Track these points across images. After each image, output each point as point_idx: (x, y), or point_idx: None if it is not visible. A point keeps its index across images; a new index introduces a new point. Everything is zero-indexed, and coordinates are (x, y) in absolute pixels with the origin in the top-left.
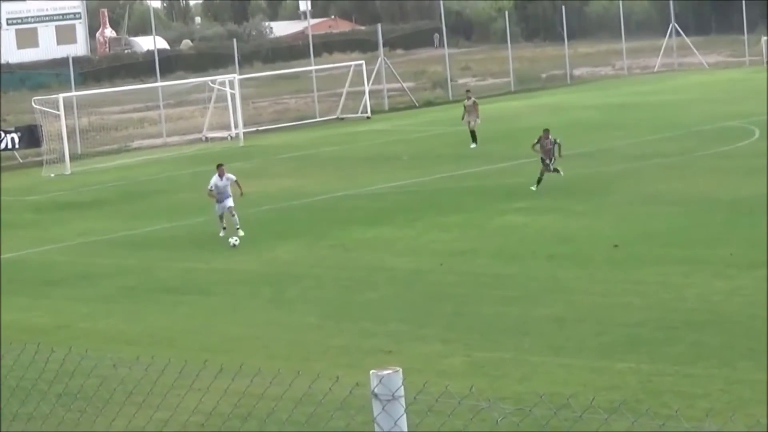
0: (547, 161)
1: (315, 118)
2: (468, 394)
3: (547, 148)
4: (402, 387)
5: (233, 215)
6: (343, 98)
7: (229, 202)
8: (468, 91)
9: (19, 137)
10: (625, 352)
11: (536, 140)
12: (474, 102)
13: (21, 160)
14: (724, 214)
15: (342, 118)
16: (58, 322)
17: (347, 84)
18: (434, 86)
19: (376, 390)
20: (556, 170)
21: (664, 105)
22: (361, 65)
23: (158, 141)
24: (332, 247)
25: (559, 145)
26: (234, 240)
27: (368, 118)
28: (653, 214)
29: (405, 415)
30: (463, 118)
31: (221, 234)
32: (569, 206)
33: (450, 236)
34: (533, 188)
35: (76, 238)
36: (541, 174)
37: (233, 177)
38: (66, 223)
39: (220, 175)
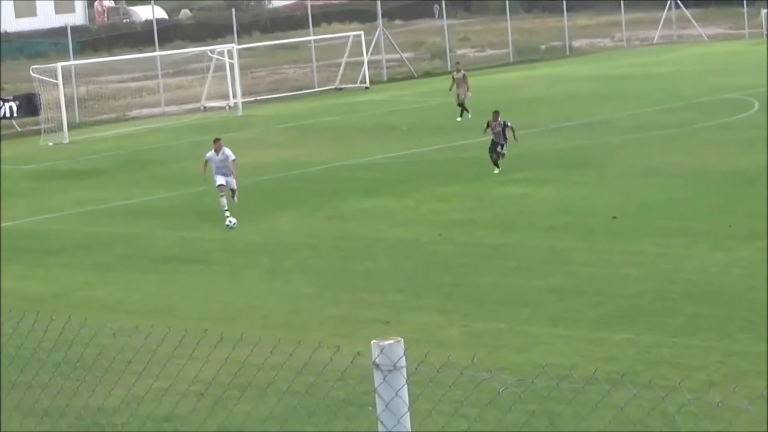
0: (499, 146)
1: (313, 88)
2: (469, 365)
3: (495, 131)
4: (403, 357)
5: (227, 196)
6: (341, 68)
7: (232, 184)
8: (458, 63)
9: (17, 106)
10: (623, 323)
11: (486, 124)
12: (464, 75)
13: (19, 129)
14: (723, 185)
15: (340, 89)
16: (55, 291)
17: (346, 54)
18: (433, 57)
19: (377, 360)
20: (502, 155)
21: (663, 77)
22: (359, 36)
23: (156, 110)
24: (330, 218)
25: (512, 129)
26: (230, 222)
27: (367, 88)
28: (652, 185)
29: (406, 386)
30: (450, 90)
31: (224, 208)
32: (568, 177)
33: (448, 207)
34: (495, 171)
35: (74, 207)
36: (492, 155)
37: (231, 155)
38: (64, 192)
39: (216, 150)
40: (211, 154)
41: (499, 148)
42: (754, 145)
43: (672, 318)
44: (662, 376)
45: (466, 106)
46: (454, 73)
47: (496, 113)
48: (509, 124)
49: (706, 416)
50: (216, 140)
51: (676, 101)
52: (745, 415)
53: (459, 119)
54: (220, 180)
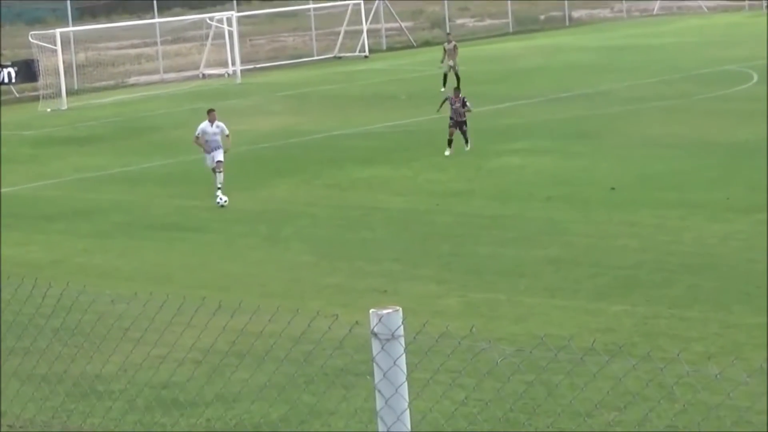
0: (457, 123)
1: (312, 56)
2: (467, 335)
3: (455, 107)
4: (402, 326)
5: (219, 172)
6: (341, 37)
7: (219, 155)
8: (449, 34)
9: (15, 72)
10: (620, 294)
11: (444, 100)
12: (455, 46)
13: (17, 95)
14: (721, 157)
15: (339, 57)
16: (53, 258)
17: (345, 23)
18: (432, 26)
19: (375, 329)
20: (465, 141)
21: (663, 48)
22: (359, 4)
23: (155, 77)
24: (328, 186)
25: (469, 108)
26: (222, 200)
27: (366, 57)
28: (651, 156)
29: (404, 355)
30: (442, 62)
31: (222, 198)
32: (567, 148)
33: (446, 176)
34: (447, 153)
35: (72, 174)
36: (450, 135)
37: (224, 127)
38: (62, 159)
39: (211, 121)
40: (204, 125)
41: (464, 127)
42: (753, 117)
43: (669, 289)
44: (660, 347)
45: (458, 74)
46: (445, 44)
47: (456, 89)
48: (468, 102)
49: (704, 388)
50: (210, 111)
51: (675, 73)
52: (743, 387)
53: (443, 89)
54: (218, 156)
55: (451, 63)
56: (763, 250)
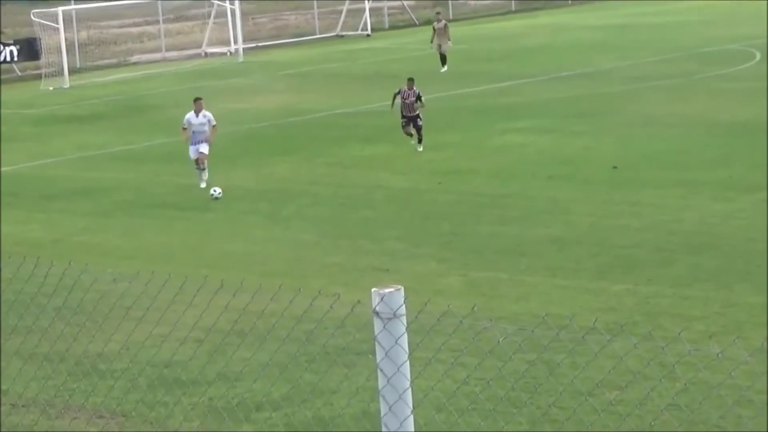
0: (410, 120)
1: (315, 35)
2: (469, 314)
3: (408, 101)
4: (404, 305)
5: (203, 169)
6: (343, 15)
7: (203, 148)
8: (438, 13)
9: (18, 50)
10: (622, 273)
11: (395, 94)
12: (445, 25)
13: (20, 73)
14: (723, 136)
15: (342, 36)
16: (54, 236)
17: (347, 1)
18: (434, 5)
19: (377, 308)
20: (418, 140)
21: (665, 26)
22: None
23: (157, 56)
24: (330, 165)
25: (423, 103)
26: (216, 192)
27: (368, 35)
28: (652, 136)
29: (406, 334)
30: (432, 41)
31: (202, 185)
32: (569, 127)
33: (448, 155)
34: (418, 147)
35: (74, 152)
36: (406, 129)
37: (212, 117)
38: (64, 137)
39: (197, 111)
40: (190, 115)
41: (418, 122)
42: (755, 96)
43: (671, 269)
44: (661, 326)
45: (445, 54)
46: (435, 23)
47: (410, 81)
48: (422, 95)
49: (705, 367)
50: (196, 100)
51: (677, 51)
52: (744, 366)
53: (444, 69)
54: (203, 149)
55: (441, 43)
56: (764, 230)
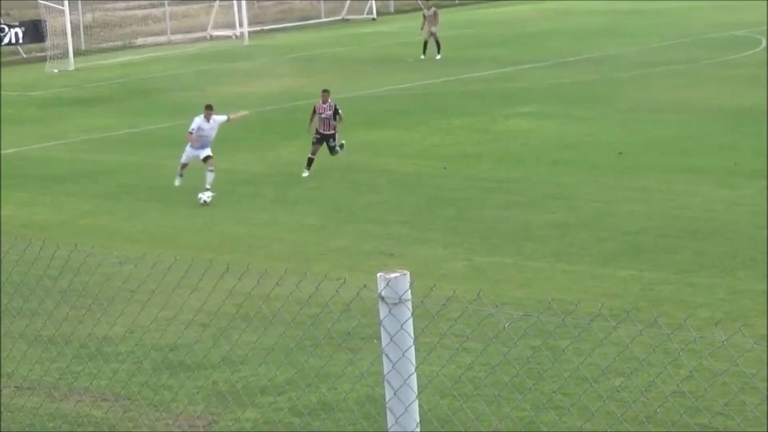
0: (323, 138)
1: (320, 18)
2: (474, 299)
3: (324, 116)
4: (409, 290)
5: (211, 170)
6: None
7: (206, 152)
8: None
9: (23, 32)
10: (627, 259)
11: (312, 111)
12: (435, 12)
13: (25, 55)
14: (728, 123)
15: (347, 20)
16: (59, 218)
17: None
18: None
19: (383, 293)
20: (339, 145)
21: (672, 12)
22: None
23: (162, 38)
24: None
25: (340, 116)
26: (205, 196)
27: (374, 19)
28: (658, 121)
29: (411, 319)
30: (422, 29)
31: (177, 183)
32: (574, 112)
33: (454, 140)
34: (305, 174)
35: (78, 135)
36: (313, 154)
37: (223, 118)
38: (69, 120)
39: (207, 118)
40: (200, 120)
41: (332, 142)
42: (761, 83)
43: (676, 255)
44: (666, 313)
45: (439, 41)
46: (424, 10)
47: (325, 92)
48: (339, 109)
49: (710, 354)
50: (207, 106)
51: (683, 37)
52: (749, 353)
53: (425, 56)
54: (205, 152)
55: (433, 30)
56: (765, 215)
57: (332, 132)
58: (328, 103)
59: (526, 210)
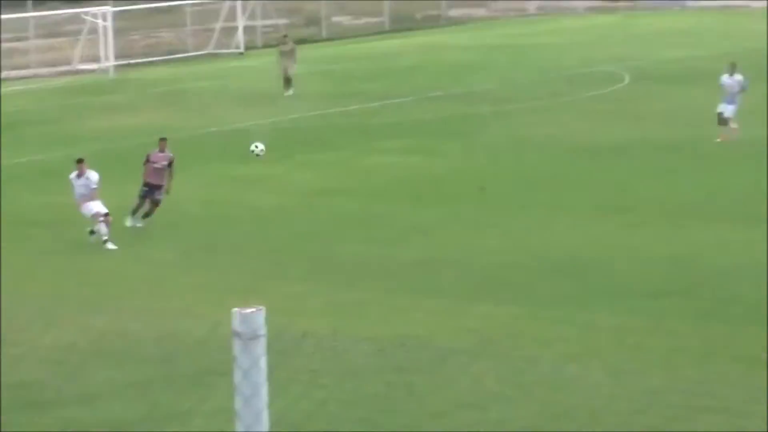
0: (152, 189)
1: (187, 52)
2: (329, 335)
3: (158, 166)
4: (264, 326)
5: (104, 223)
6: (216, 33)
7: (95, 207)
8: (285, 36)
9: None
10: (486, 294)
11: (145, 159)
12: (292, 48)
13: None
14: (589, 159)
15: (215, 54)
16: None
17: (221, 19)
18: (308, 24)
19: (237, 328)
20: (146, 213)
21: (538, 48)
22: (235, 3)
23: (27, 72)
24: (198, 183)
25: (171, 166)
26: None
27: (241, 54)
28: (520, 157)
29: (265, 355)
30: (280, 64)
31: (128, 223)
32: (438, 147)
33: (317, 175)
34: (128, 223)
35: None
36: (138, 206)
37: (94, 180)
38: None
39: (79, 175)
40: (72, 176)
41: (157, 194)
42: (623, 118)
43: (534, 290)
44: (522, 347)
45: (292, 79)
46: (281, 46)
47: (162, 140)
48: (173, 161)
49: (563, 388)
50: (79, 161)
51: (548, 73)
52: (602, 388)
53: (290, 92)
54: (95, 208)
55: (287, 66)
56: (624, 251)
57: (161, 184)
58: (164, 153)
59: (386, 246)
